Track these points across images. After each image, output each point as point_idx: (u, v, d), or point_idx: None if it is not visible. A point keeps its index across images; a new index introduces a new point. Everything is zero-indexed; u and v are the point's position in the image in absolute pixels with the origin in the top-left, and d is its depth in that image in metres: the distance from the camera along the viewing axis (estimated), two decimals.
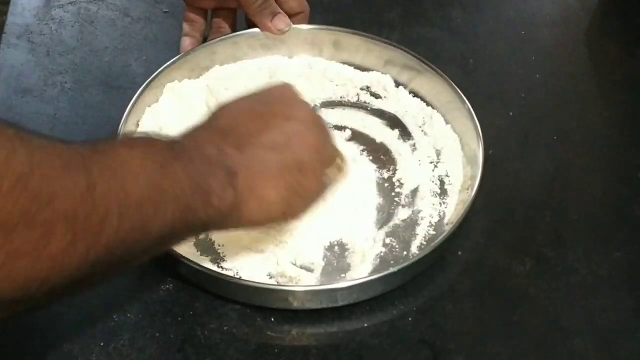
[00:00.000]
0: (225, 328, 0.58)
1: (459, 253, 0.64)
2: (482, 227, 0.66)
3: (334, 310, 0.59)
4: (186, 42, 0.77)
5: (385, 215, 0.65)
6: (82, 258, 0.40)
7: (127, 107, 0.68)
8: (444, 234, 0.61)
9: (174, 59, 0.73)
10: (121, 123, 0.66)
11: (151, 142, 0.48)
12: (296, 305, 0.58)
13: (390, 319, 0.60)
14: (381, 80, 0.76)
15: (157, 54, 0.79)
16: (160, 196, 0.45)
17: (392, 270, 0.59)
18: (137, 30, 0.83)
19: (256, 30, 0.76)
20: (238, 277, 0.60)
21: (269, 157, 0.53)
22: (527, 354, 0.58)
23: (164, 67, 0.72)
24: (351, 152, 0.70)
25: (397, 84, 0.75)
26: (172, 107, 0.71)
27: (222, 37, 0.76)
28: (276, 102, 0.57)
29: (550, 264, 0.64)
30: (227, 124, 0.54)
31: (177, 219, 0.46)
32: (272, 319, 0.59)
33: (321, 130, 0.58)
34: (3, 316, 0.39)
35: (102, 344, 0.57)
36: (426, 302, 0.61)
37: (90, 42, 0.81)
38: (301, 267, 0.61)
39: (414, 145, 0.71)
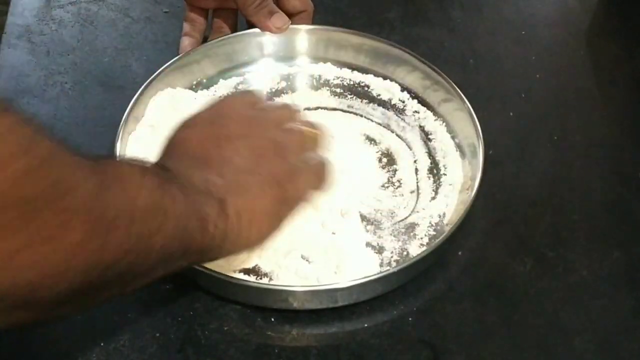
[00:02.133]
0: (225, 328, 0.58)
1: (459, 253, 0.64)
2: (482, 227, 0.66)
3: (334, 310, 0.59)
4: (185, 42, 0.77)
5: (384, 216, 0.65)
6: (96, 256, 0.40)
7: (127, 107, 0.68)
8: (444, 234, 0.60)
9: (174, 59, 0.73)
10: (121, 123, 0.66)
11: (145, 164, 0.49)
12: (296, 305, 0.58)
13: (390, 319, 0.60)
14: (380, 81, 0.76)
15: (157, 54, 0.79)
16: (162, 212, 0.46)
17: (391, 270, 0.59)
18: (137, 30, 0.83)
19: (256, 30, 0.76)
20: (238, 277, 0.59)
21: (248, 180, 0.54)
22: (527, 354, 0.58)
23: (163, 67, 0.72)
24: (350, 153, 0.70)
25: (396, 84, 0.75)
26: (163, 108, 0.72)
27: (222, 37, 0.76)
28: (231, 121, 0.58)
29: (550, 264, 0.64)
30: (199, 152, 0.55)
31: (176, 239, 0.47)
32: (272, 319, 0.59)
33: (278, 129, 0.59)
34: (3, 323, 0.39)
35: (102, 344, 0.57)
36: (426, 302, 0.61)
37: (90, 42, 0.81)
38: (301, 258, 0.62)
39: (411, 145, 0.71)
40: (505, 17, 0.88)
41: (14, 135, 0.36)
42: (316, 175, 0.59)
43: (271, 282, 0.60)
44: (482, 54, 0.82)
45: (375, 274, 0.59)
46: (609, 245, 0.65)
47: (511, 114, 0.76)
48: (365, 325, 0.59)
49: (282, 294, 0.58)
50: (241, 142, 0.56)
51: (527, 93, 0.78)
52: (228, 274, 0.59)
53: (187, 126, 0.58)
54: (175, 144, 0.56)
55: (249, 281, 0.59)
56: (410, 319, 0.60)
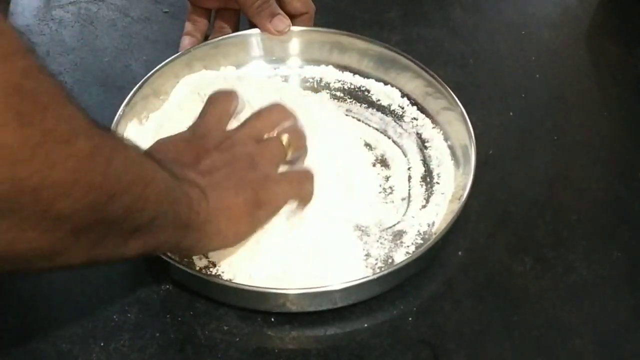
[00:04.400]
0: (225, 328, 0.58)
1: (459, 253, 0.64)
2: (482, 227, 0.66)
3: (334, 310, 0.59)
4: (185, 41, 0.77)
5: (373, 222, 0.65)
6: (101, 176, 0.41)
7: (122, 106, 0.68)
8: (437, 234, 0.60)
9: (171, 57, 0.73)
10: (114, 121, 0.66)
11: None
12: (293, 308, 0.58)
13: (390, 319, 0.60)
14: (380, 86, 0.75)
15: (157, 54, 0.79)
16: (152, 174, 0.48)
17: (386, 271, 0.58)
18: (137, 30, 0.83)
19: (257, 30, 0.76)
20: (234, 281, 0.59)
21: (223, 181, 0.57)
22: (527, 354, 0.58)
23: (160, 65, 0.72)
24: (344, 157, 0.69)
25: (397, 89, 0.75)
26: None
27: (221, 37, 0.76)
28: (206, 139, 0.61)
29: (550, 264, 0.64)
30: (171, 156, 0.58)
31: (166, 200, 0.49)
32: (272, 319, 0.59)
33: (250, 139, 0.62)
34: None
35: (102, 344, 0.57)
36: (426, 302, 0.61)
37: (90, 42, 0.81)
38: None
39: (407, 152, 0.71)
40: (505, 17, 0.88)
41: (11, 34, 0.37)
42: (292, 184, 0.62)
43: (261, 286, 0.58)
44: (482, 54, 0.82)
45: (367, 276, 0.58)
46: (609, 245, 0.65)
47: (511, 114, 0.76)
48: (365, 325, 0.59)
49: (276, 298, 0.57)
50: (217, 154, 0.59)
51: (527, 93, 0.78)
52: (223, 280, 0.59)
53: (164, 142, 0.62)
54: (153, 149, 0.60)
55: (244, 285, 0.58)
56: (410, 319, 0.60)
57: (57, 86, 0.40)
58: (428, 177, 0.68)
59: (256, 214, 0.58)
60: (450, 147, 0.69)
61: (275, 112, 0.65)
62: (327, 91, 0.76)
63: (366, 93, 0.76)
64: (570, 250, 0.65)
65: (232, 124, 0.64)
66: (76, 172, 0.40)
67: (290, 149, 0.63)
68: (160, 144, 0.62)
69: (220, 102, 0.65)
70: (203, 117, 0.64)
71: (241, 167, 0.59)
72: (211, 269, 0.61)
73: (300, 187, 0.62)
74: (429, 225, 0.64)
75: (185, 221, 0.52)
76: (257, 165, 0.60)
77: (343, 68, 0.77)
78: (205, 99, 0.66)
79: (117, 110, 0.68)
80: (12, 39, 0.37)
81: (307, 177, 0.63)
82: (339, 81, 0.77)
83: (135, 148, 0.49)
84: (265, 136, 0.63)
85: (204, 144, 0.61)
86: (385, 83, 0.75)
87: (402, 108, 0.74)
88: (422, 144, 0.71)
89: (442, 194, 0.66)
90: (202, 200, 0.54)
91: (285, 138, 0.63)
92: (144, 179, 0.46)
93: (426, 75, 0.72)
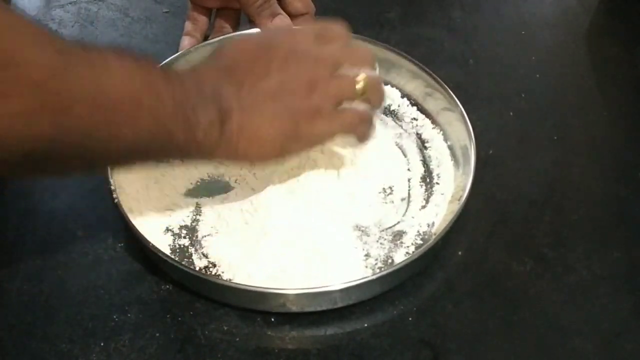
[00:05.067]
0: (225, 328, 0.58)
1: (459, 253, 0.64)
2: (482, 227, 0.66)
3: (334, 310, 0.59)
4: (185, 42, 0.77)
5: (373, 222, 0.65)
6: (42, 130, 0.42)
7: None
8: (437, 234, 0.60)
9: (171, 57, 0.73)
10: None
11: (146, 62, 0.50)
12: (293, 308, 0.58)
13: (390, 319, 0.60)
14: None
15: (157, 54, 0.79)
16: (136, 108, 0.47)
17: (386, 271, 0.58)
18: (137, 30, 0.83)
19: (256, 30, 0.75)
20: (234, 281, 0.59)
21: (266, 104, 0.55)
22: (527, 354, 0.58)
23: (160, 65, 0.71)
24: (343, 158, 0.69)
25: (397, 90, 0.75)
26: None
27: (222, 37, 0.76)
28: (282, 49, 0.57)
29: (550, 264, 0.64)
30: (230, 63, 0.56)
31: (152, 138, 0.49)
32: (272, 319, 0.59)
33: (324, 65, 0.58)
34: None
35: (102, 344, 0.57)
36: (426, 302, 0.61)
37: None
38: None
39: (407, 152, 0.71)
40: (505, 17, 0.88)
41: None
42: (343, 123, 0.58)
43: (261, 286, 0.58)
44: (482, 54, 0.82)
45: (366, 277, 0.58)
46: (609, 245, 0.65)
47: (511, 113, 0.76)
48: (365, 325, 0.59)
49: (276, 298, 0.57)
50: (278, 69, 0.56)
51: (527, 93, 0.78)
52: (223, 280, 0.59)
53: (246, 38, 0.59)
54: (223, 46, 0.58)
55: (243, 285, 0.57)
56: (410, 319, 0.60)
57: (20, 41, 0.40)
58: (428, 178, 0.68)
59: (288, 145, 0.56)
60: (450, 148, 0.69)
61: (366, 53, 0.61)
62: None
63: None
64: (570, 250, 0.65)
65: None
66: (8, 129, 0.40)
67: (362, 96, 0.59)
68: (242, 38, 0.59)
69: (333, 28, 0.62)
70: (296, 29, 0.62)
71: (295, 90, 0.56)
72: (211, 269, 0.61)
73: (354, 127, 0.59)
74: (428, 226, 0.64)
75: (181, 148, 0.52)
76: (314, 94, 0.56)
77: None
78: None
79: None
80: None
81: (363, 119, 0.59)
82: None
83: (126, 78, 0.47)
84: (343, 70, 0.58)
85: (271, 53, 0.57)
86: (385, 83, 0.75)
87: (402, 108, 0.74)
88: (422, 144, 0.71)
89: (442, 194, 0.66)
90: (213, 127, 0.52)
91: (362, 82, 0.58)
92: (117, 120, 0.46)
93: (426, 76, 0.72)
